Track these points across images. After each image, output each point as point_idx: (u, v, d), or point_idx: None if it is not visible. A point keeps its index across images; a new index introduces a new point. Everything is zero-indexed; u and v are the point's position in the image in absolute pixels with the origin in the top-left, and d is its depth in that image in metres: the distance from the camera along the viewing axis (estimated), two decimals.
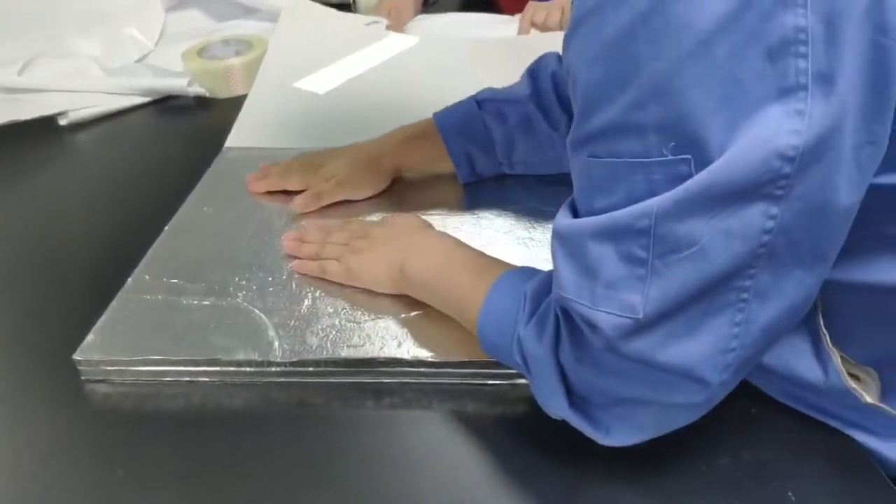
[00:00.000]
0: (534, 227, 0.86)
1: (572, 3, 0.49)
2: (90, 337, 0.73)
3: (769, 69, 0.42)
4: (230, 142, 1.09)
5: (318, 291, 0.77)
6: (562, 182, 0.92)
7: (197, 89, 1.27)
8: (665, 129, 0.45)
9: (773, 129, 0.42)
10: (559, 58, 0.90)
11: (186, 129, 1.21)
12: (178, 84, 1.27)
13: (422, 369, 0.69)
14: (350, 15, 1.51)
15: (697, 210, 0.45)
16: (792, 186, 0.44)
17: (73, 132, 1.20)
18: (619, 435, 0.56)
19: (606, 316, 0.49)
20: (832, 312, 0.58)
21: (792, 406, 0.64)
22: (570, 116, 0.83)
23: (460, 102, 0.92)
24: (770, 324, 0.49)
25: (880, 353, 0.59)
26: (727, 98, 0.43)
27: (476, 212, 0.89)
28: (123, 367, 0.72)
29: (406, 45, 1.35)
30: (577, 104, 0.50)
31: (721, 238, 0.45)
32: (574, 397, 0.57)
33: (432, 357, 0.69)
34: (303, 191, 0.92)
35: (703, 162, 0.44)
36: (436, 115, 0.92)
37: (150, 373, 0.72)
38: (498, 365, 0.67)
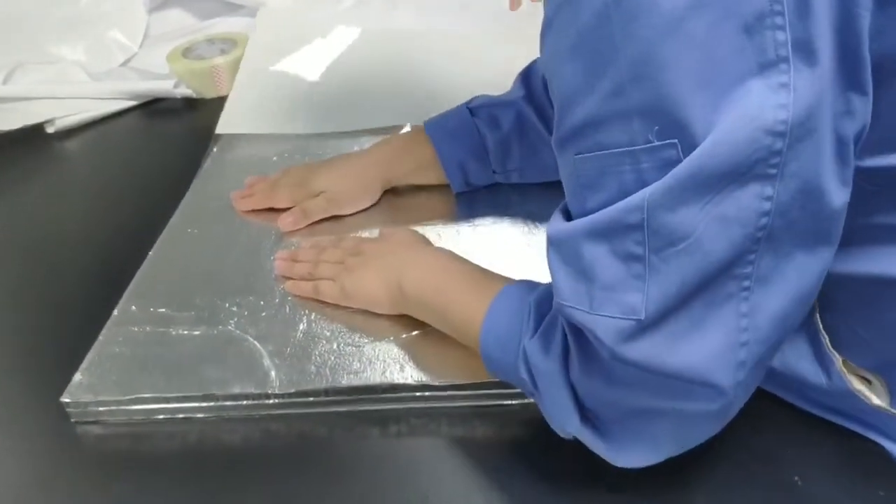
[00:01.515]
0: (532, 233, 0.83)
1: (544, 2, 0.47)
2: (78, 376, 0.70)
3: (747, 44, 0.41)
4: (220, 129, 1.07)
5: (314, 314, 0.74)
6: (558, 186, 0.87)
7: (184, 90, 1.26)
8: (647, 113, 0.43)
9: (758, 106, 0.41)
10: None
11: (175, 131, 1.20)
12: (165, 86, 1.26)
13: (427, 394, 0.67)
14: None
15: (689, 197, 0.43)
16: (785, 163, 0.42)
17: (61, 139, 1.19)
18: (633, 453, 0.54)
19: (607, 320, 0.47)
20: (830, 309, 0.56)
21: (811, 411, 0.63)
22: None
23: (451, 110, 0.89)
24: (779, 313, 0.47)
25: (883, 358, 0.57)
26: (706, 77, 0.41)
27: (473, 221, 0.86)
28: (115, 407, 0.69)
29: (397, 24, 1.31)
30: (557, 102, 0.48)
31: (717, 225, 0.44)
32: (585, 413, 0.55)
33: (437, 381, 0.66)
34: (290, 208, 0.89)
35: (689, 145, 0.43)
36: (426, 123, 0.89)
37: (142, 411, 0.69)
38: (506, 384, 0.65)
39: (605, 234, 0.47)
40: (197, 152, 1.05)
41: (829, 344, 0.57)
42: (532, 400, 0.62)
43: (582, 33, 0.45)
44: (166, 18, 1.51)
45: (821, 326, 0.57)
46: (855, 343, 0.57)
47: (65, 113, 1.20)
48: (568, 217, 0.51)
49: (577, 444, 0.57)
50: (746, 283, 0.46)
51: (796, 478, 0.59)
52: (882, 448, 0.60)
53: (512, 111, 0.86)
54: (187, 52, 1.30)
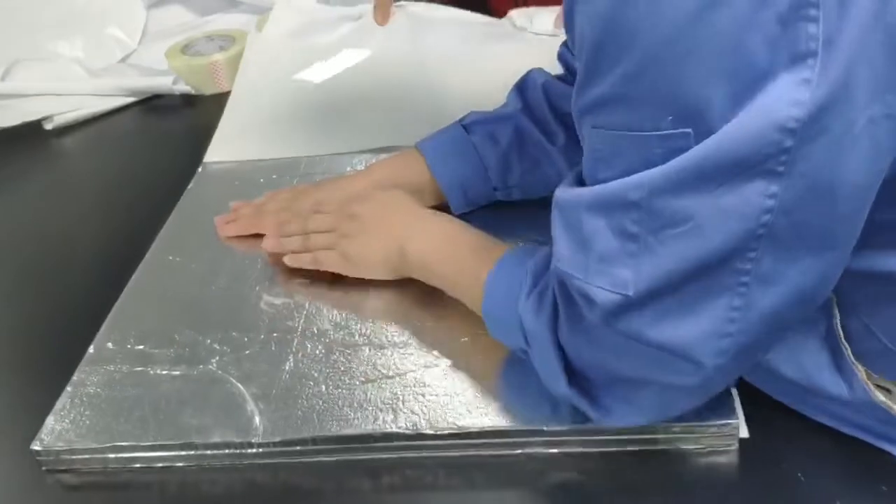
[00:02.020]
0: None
1: None
2: (50, 421, 0.66)
3: (780, 36, 0.39)
4: (209, 157, 1.03)
5: (300, 353, 0.70)
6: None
7: (182, 87, 1.25)
8: (663, 100, 0.43)
9: (776, 101, 0.40)
10: (546, 72, 0.85)
11: (174, 129, 1.19)
12: (164, 83, 1.24)
13: (423, 443, 0.62)
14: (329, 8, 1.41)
15: (692, 184, 0.43)
16: (794, 162, 0.41)
17: (59, 136, 1.18)
18: (618, 416, 0.56)
19: (599, 291, 0.49)
20: (851, 314, 0.55)
21: (824, 423, 0.61)
22: (567, 132, 0.82)
23: (445, 129, 0.85)
24: (772, 312, 0.47)
25: None
26: (731, 68, 0.41)
27: None
28: (89, 456, 0.65)
29: (389, 42, 1.27)
30: (579, 70, 0.48)
31: (717, 216, 0.44)
32: (574, 376, 0.56)
33: (434, 429, 0.62)
34: None
35: (704, 135, 0.42)
36: (420, 144, 0.85)
37: (118, 459, 0.65)
38: (509, 433, 0.61)
39: (606, 208, 0.47)
40: (196, 149, 1.04)
41: (851, 355, 0.56)
42: (536, 450, 0.62)
43: (605, 11, 0.44)
44: (165, 15, 1.50)
45: (842, 337, 0.56)
46: (876, 351, 0.56)
47: (63, 110, 1.20)
48: (579, 181, 0.52)
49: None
50: (744, 279, 0.45)
51: (799, 473, 0.59)
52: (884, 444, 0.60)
53: (510, 125, 0.83)
54: (186, 48, 1.29)
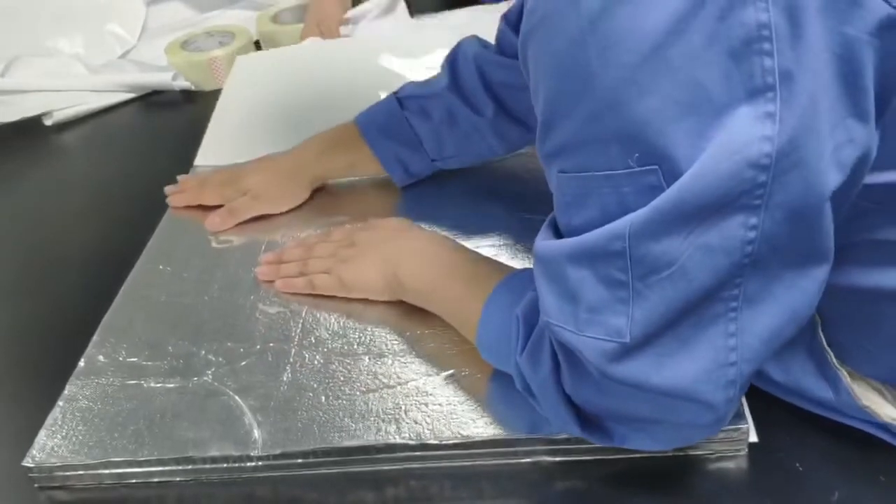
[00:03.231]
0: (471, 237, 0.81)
1: (524, 10, 0.47)
2: (42, 436, 0.64)
3: (734, 70, 0.40)
4: (199, 160, 1.03)
5: (298, 363, 0.68)
6: (499, 183, 0.90)
7: (182, 83, 1.26)
8: (625, 139, 0.43)
9: (743, 137, 0.40)
10: (480, 42, 0.86)
11: (173, 124, 1.20)
12: (163, 78, 1.26)
13: (427, 453, 0.61)
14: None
15: (672, 228, 0.43)
16: (770, 195, 0.42)
17: (58, 132, 1.19)
18: (635, 444, 0.55)
19: (593, 341, 0.48)
20: (832, 324, 0.57)
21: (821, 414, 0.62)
22: (496, 101, 0.84)
23: (381, 102, 0.88)
24: (769, 332, 0.47)
25: (892, 370, 0.57)
26: (689, 104, 0.41)
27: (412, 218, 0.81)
28: (82, 472, 0.63)
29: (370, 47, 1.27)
30: (539, 117, 0.48)
31: (701, 254, 0.44)
32: (585, 416, 0.55)
33: (438, 439, 0.60)
34: (220, 206, 0.88)
35: (671, 173, 0.42)
36: (357, 118, 0.88)
37: (113, 475, 0.63)
38: (514, 442, 0.60)
39: (589, 259, 0.47)
40: (195, 145, 1.04)
41: (834, 360, 0.57)
42: (543, 458, 0.61)
43: (558, 57, 0.44)
44: (164, 11, 1.52)
45: (825, 343, 0.57)
46: (862, 356, 0.57)
47: (62, 105, 1.20)
48: (556, 230, 0.51)
49: None
50: (734, 304, 0.46)
51: (797, 464, 0.59)
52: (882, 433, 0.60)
53: (440, 101, 0.85)
54: (186, 44, 1.30)
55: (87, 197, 1.02)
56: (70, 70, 1.28)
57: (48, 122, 1.19)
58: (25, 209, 1.01)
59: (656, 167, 0.43)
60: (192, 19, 1.50)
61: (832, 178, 0.43)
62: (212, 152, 1.04)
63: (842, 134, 0.42)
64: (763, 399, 0.62)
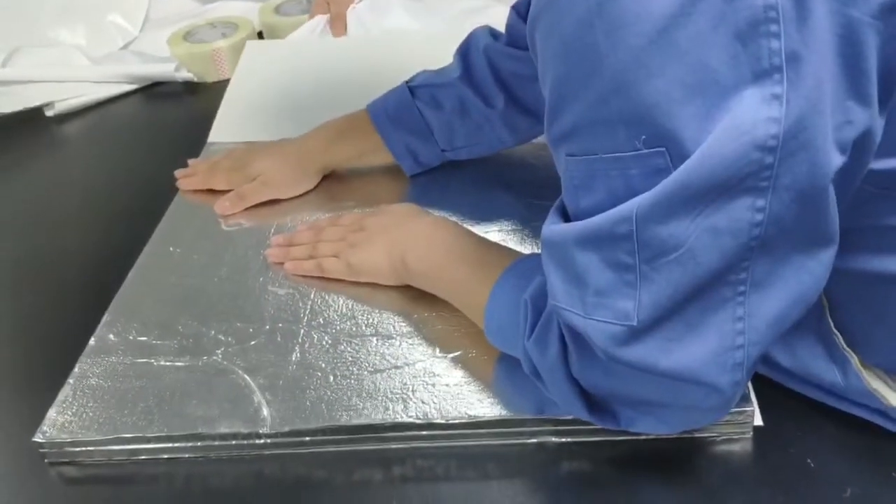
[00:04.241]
0: (479, 222, 0.82)
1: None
2: (52, 413, 0.65)
3: (741, 52, 0.40)
4: (213, 137, 1.04)
5: (307, 343, 0.69)
6: (507, 169, 0.91)
7: (184, 74, 1.26)
8: (633, 122, 0.43)
9: (749, 119, 0.41)
10: (491, 32, 0.87)
11: (175, 116, 1.20)
12: (166, 70, 1.25)
13: (434, 432, 0.61)
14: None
15: (678, 210, 0.43)
16: (777, 177, 0.42)
17: (60, 123, 1.18)
18: (643, 427, 0.56)
19: (601, 324, 0.48)
20: (839, 309, 0.57)
21: (830, 404, 0.62)
22: (507, 92, 0.84)
23: (392, 91, 0.88)
24: (777, 315, 0.47)
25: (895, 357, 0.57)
26: (696, 86, 0.41)
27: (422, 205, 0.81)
28: (92, 448, 0.63)
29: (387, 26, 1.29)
30: (547, 101, 0.48)
31: (709, 236, 0.44)
32: (593, 399, 0.55)
33: (445, 418, 0.61)
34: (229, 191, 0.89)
35: (678, 155, 0.42)
36: (369, 106, 0.88)
37: (123, 451, 0.63)
38: (521, 422, 0.61)
39: (596, 242, 0.47)
40: (197, 136, 1.03)
41: (843, 343, 0.57)
42: (549, 438, 0.62)
43: (566, 40, 0.45)
44: (167, 2, 1.51)
45: (832, 326, 0.57)
46: (867, 342, 0.57)
47: (64, 96, 1.20)
48: (564, 215, 0.51)
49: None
50: (741, 288, 0.46)
51: (809, 460, 0.59)
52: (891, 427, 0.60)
53: (452, 90, 0.86)
54: (188, 35, 1.30)
55: (88, 187, 1.02)
56: (72, 61, 1.28)
57: (50, 112, 1.19)
58: (27, 200, 1.01)
59: (663, 149, 0.43)
60: (194, 10, 1.49)
61: (835, 160, 0.43)
62: (226, 129, 1.05)
63: (840, 115, 0.43)
64: (770, 386, 0.63)
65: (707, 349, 0.47)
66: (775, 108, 0.41)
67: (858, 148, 0.44)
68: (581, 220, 0.48)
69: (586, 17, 0.43)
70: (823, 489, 0.57)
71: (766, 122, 0.41)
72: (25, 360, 0.75)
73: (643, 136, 0.43)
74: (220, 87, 1.18)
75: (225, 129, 1.06)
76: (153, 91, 1.25)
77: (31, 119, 1.17)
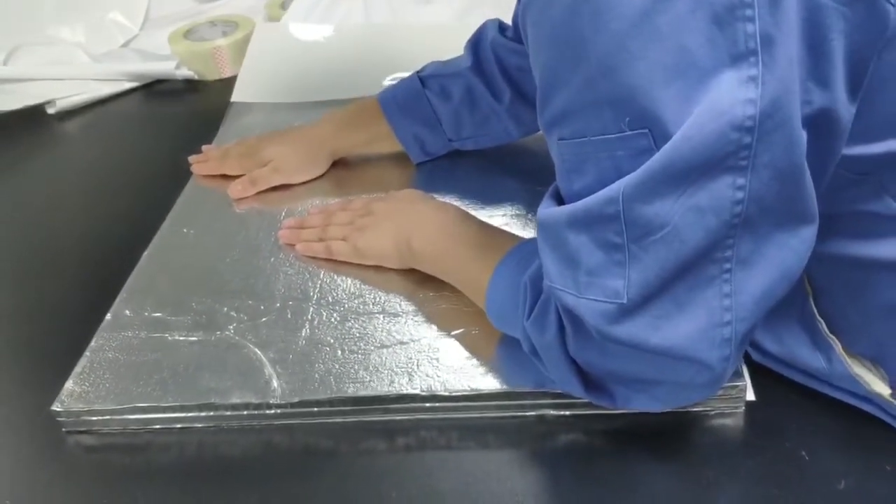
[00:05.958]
0: (483, 207, 0.84)
1: None
2: (69, 384, 0.67)
3: (718, 35, 0.41)
4: (235, 97, 1.09)
5: (316, 320, 0.71)
6: (511, 157, 0.92)
7: (185, 72, 1.26)
8: (618, 104, 0.45)
9: (727, 100, 0.42)
10: (500, 25, 0.88)
11: (176, 113, 1.20)
12: (166, 67, 1.26)
13: (438, 404, 0.64)
14: None
15: (663, 189, 0.45)
16: (756, 156, 0.43)
17: (61, 121, 1.19)
18: (638, 404, 0.57)
19: (593, 303, 0.49)
20: (822, 294, 0.58)
21: (820, 391, 0.63)
22: (513, 86, 0.86)
23: (403, 80, 0.90)
24: (762, 292, 0.48)
25: (878, 343, 0.58)
26: (676, 69, 0.42)
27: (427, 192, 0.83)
28: (108, 417, 0.66)
29: None
30: (538, 86, 0.50)
31: (693, 215, 0.45)
32: (589, 378, 0.57)
33: (448, 391, 0.63)
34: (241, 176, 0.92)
35: (661, 135, 0.44)
36: (379, 95, 0.90)
37: (137, 421, 0.66)
38: (521, 395, 0.63)
39: (586, 223, 0.48)
40: (198, 134, 1.04)
41: (825, 329, 0.59)
42: (548, 412, 0.63)
43: (554, 25, 0.46)
44: (167, 0, 1.52)
45: (816, 312, 0.59)
46: (849, 328, 0.58)
47: (65, 94, 1.20)
48: (558, 198, 0.53)
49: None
50: (727, 266, 0.47)
51: (803, 452, 0.59)
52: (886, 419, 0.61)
53: (462, 81, 0.87)
54: (189, 33, 1.30)
55: (89, 185, 1.03)
56: (73, 58, 1.28)
57: (51, 110, 1.19)
58: (28, 197, 1.02)
59: (647, 130, 0.44)
60: (195, 8, 1.50)
61: (804, 136, 0.45)
62: (247, 88, 1.09)
63: (803, 95, 0.44)
64: (766, 378, 0.64)
65: (695, 326, 0.48)
66: (752, 89, 0.42)
67: (817, 128, 0.45)
68: (573, 202, 0.49)
69: (573, 4, 0.44)
70: (818, 481, 0.57)
71: (744, 104, 0.42)
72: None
73: (627, 118, 0.44)
74: (221, 84, 1.19)
75: (246, 87, 1.09)
76: (154, 89, 1.26)
77: (33, 117, 1.18)
